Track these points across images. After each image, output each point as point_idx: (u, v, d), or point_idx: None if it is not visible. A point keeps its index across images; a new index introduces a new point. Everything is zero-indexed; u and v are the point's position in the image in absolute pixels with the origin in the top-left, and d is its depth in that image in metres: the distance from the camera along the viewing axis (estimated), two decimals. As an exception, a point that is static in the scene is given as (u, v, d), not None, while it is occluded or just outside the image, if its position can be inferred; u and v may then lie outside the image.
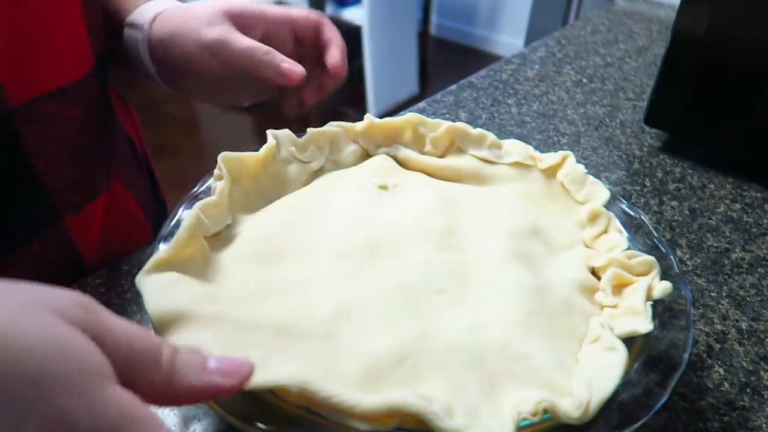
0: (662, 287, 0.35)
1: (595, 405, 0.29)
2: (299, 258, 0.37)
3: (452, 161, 0.47)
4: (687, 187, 0.59)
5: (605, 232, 0.42)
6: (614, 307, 0.36)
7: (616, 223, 0.42)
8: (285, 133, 0.45)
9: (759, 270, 0.49)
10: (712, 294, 0.46)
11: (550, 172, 0.46)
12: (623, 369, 0.31)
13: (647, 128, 0.68)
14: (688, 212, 0.55)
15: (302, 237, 0.39)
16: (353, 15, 2.31)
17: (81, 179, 0.45)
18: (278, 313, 0.33)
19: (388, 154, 0.48)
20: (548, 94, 0.75)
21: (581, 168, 0.45)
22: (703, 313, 0.45)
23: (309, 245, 0.38)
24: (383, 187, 0.43)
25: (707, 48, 0.58)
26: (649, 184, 0.58)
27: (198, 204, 0.37)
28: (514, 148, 0.47)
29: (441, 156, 0.48)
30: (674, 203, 0.57)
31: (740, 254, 0.51)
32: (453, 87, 0.75)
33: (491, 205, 0.43)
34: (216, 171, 0.40)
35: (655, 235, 0.42)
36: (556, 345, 0.33)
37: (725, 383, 0.39)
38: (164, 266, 0.33)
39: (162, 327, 0.30)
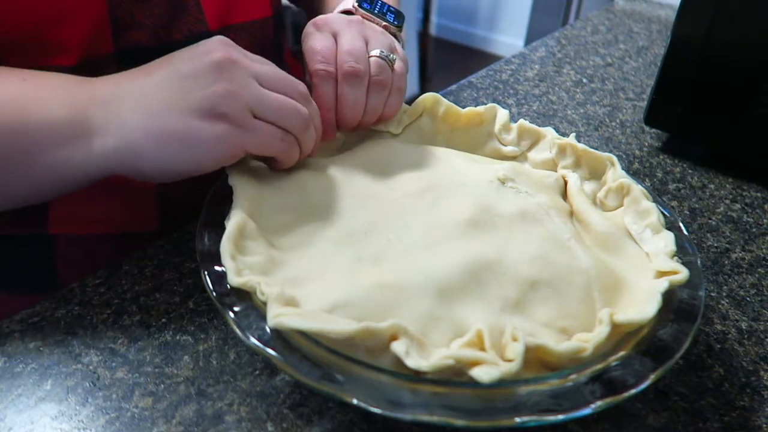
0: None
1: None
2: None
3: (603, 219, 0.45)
4: (687, 187, 0.59)
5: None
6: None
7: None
8: (505, 111, 0.51)
9: (759, 270, 0.49)
10: (712, 294, 0.46)
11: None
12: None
13: (647, 128, 0.68)
14: (688, 212, 0.55)
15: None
16: (353, 15, 2.30)
17: None
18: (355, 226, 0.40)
19: (565, 177, 0.48)
20: (548, 94, 0.75)
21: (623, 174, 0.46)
22: (703, 313, 0.45)
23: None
24: (503, 181, 0.45)
25: (707, 48, 0.58)
26: (649, 184, 0.58)
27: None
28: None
29: (605, 206, 0.46)
30: (674, 203, 0.56)
31: (740, 254, 0.51)
32: (453, 87, 0.75)
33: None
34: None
35: (686, 234, 0.43)
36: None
37: (725, 383, 0.39)
38: None
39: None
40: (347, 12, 0.53)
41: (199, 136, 0.37)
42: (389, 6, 0.55)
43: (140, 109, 0.37)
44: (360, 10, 0.52)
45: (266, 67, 0.40)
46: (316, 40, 0.47)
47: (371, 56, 0.46)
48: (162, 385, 0.36)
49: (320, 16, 0.49)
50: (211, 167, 0.39)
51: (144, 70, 0.39)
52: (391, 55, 0.47)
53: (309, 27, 0.49)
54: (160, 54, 0.40)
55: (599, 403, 0.30)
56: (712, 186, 0.59)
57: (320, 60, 0.45)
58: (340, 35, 0.47)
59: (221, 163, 0.39)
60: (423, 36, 2.71)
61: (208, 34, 0.49)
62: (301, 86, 0.41)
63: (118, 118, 0.37)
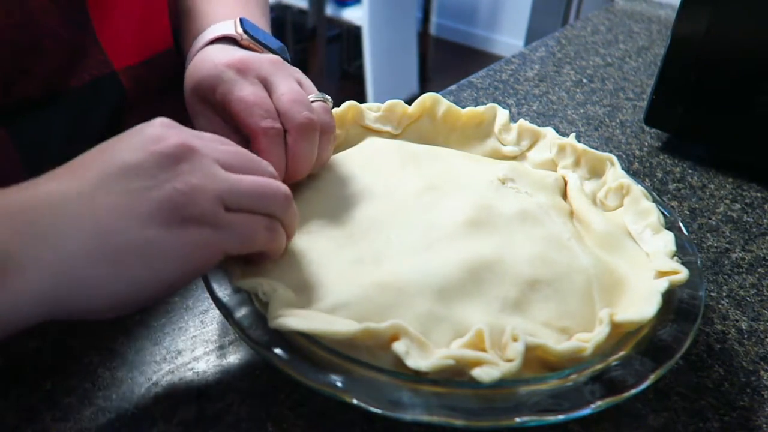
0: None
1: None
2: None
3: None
4: (687, 187, 0.59)
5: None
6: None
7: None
8: (505, 111, 0.51)
9: (759, 270, 0.49)
10: (712, 294, 0.46)
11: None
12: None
13: (647, 128, 0.68)
14: (688, 212, 0.55)
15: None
16: (353, 15, 2.31)
17: None
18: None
19: (565, 177, 0.48)
20: (548, 94, 0.75)
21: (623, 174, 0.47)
22: (703, 313, 0.45)
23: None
24: (502, 181, 0.45)
25: (707, 48, 0.58)
26: (649, 184, 0.58)
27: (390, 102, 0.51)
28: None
29: (607, 207, 0.46)
30: (674, 203, 0.56)
31: (740, 254, 0.51)
32: (453, 87, 0.75)
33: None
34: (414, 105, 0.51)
35: (686, 234, 0.43)
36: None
37: (725, 383, 0.39)
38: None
39: None
40: (228, 38, 0.46)
41: (164, 249, 0.29)
42: (266, 34, 0.47)
43: (79, 225, 0.27)
44: (245, 37, 0.45)
45: (227, 147, 0.33)
46: (245, 89, 0.39)
47: (312, 101, 0.41)
48: (162, 385, 0.36)
49: (238, 58, 0.41)
50: (183, 284, 0.31)
51: (72, 170, 0.29)
52: (326, 95, 0.42)
53: (227, 72, 0.40)
54: (51, 106, 0.34)
55: (599, 403, 0.30)
56: (712, 186, 0.59)
57: (262, 115, 0.38)
58: (272, 81, 0.41)
59: (196, 276, 0.32)
60: (423, 36, 2.71)
61: (113, 76, 0.46)
62: (265, 163, 0.35)
63: (49, 242, 0.27)
